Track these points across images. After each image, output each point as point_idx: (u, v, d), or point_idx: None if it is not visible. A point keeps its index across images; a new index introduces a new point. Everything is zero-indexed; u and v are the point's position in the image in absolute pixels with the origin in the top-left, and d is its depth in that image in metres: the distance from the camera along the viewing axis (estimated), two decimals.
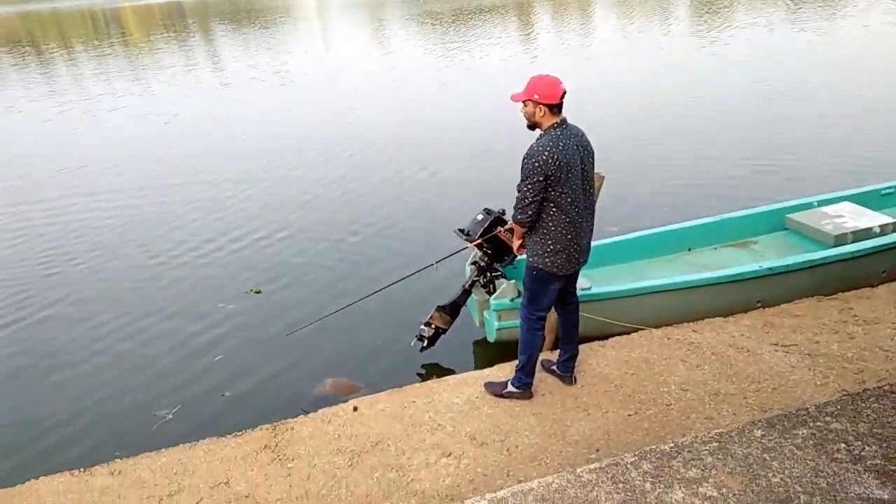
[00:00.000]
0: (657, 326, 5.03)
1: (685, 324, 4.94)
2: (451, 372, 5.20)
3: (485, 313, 5.16)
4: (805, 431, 2.68)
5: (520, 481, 3.57)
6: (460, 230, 5.05)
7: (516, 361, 4.23)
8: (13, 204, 9.71)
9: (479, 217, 4.98)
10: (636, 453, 3.22)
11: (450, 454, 3.83)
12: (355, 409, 4.33)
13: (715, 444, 2.76)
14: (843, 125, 10.19)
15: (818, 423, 2.73)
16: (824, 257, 5.17)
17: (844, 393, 3.14)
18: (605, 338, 4.89)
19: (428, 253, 5.65)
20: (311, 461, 3.91)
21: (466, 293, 5.22)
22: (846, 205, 5.96)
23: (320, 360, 5.51)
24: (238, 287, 6.82)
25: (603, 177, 4.60)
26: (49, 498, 3.81)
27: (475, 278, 5.18)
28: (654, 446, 3.05)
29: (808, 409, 2.92)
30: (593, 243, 5.77)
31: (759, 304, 5.19)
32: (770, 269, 5.07)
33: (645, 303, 5.05)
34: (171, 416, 4.97)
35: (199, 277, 7.12)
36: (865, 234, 5.53)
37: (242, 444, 4.14)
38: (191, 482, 3.85)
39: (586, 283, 5.13)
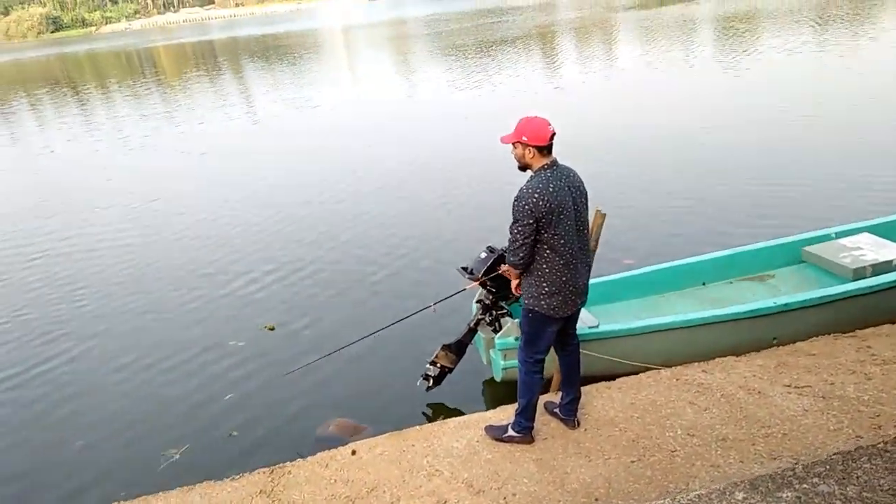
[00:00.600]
0: (668, 366, 4.89)
1: (696, 363, 4.78)
2: (457, 411, 5.12)
3: (490, 352, 5.08)
4: (789, 494, 2.53)
5: None
6: (463, 268, 4.99)
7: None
8: (29, 234, 9.93)
9: (483, 255, 4.92)
10: None
11: (445, 502, 3.73)
12: (354, 452, 4.27)
13: None
14: (864, 152, 9.93)
15: (804, 486, 2.58)
16: (842, 292, 4.98)
17: (836, 452, 2.98)
18: (613, 378, 4.76)
19: (442, 290, 5.58)
20: None
21: (472, 332, 5.14)
22: (865, 236, 5.76)
23: (327, 398, 5.47)
24: (252, 323, 6.83)
25: (604, 214, 4.51)
26: None
27: (480, 317, 5.11)
28: None
29: (794, 469, 2.77)
30: (605, 279, 5.80)
31: (774, 342, 5.02)
32: (785, 305, 4.90)
33: (654, 341, 4.91)
34: (178, 456, 4.95)
35: (214, 313, 7.16)
36: (886, 266, 5.33)
37: (239, 487, 4.10)
38: None
39: (594, 320, 5.03)
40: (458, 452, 4.12)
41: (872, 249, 5.54)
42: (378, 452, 4.23)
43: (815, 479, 2.61)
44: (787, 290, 5.57)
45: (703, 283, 5.85)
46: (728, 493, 2.65)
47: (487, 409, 4.99)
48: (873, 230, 5.90)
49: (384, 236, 8.70)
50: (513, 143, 3.72)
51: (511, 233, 3.69)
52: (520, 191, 3.64)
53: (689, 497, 2.70)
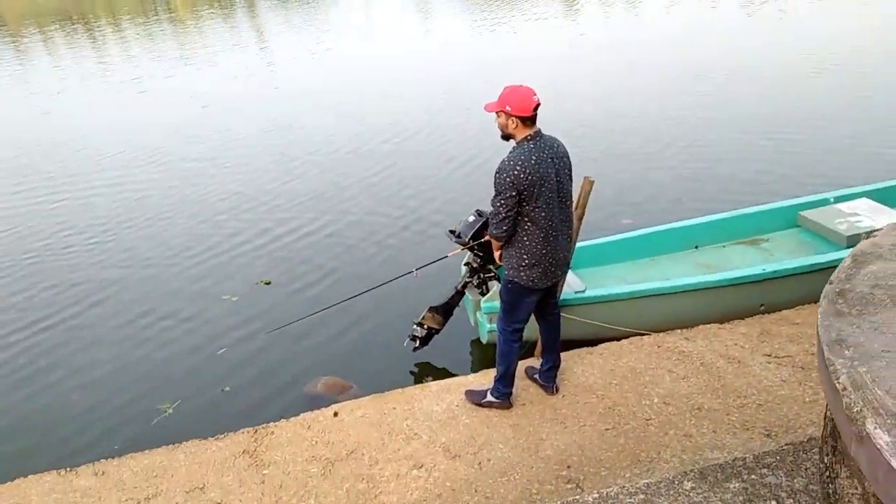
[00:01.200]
0: (654, 331, 4.89)
1: (678, 330, 4.79)
2: (444, 371, 5.20)
3: (477, 314, 5.10)
4: (736, 485, 2.54)
5: (486, 497, 3.55)
6: (451, 231, 4.98)
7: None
8: (27, 183, 9.99)
9: (471, 219, 4.89)
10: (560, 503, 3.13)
11: (421, 466, 3.82)
12: (336, 414, 4.35)
13: (641, 496, 2.64)
14: (872, 113, 9.64)
15: (752, 476, 2.58)
16: (833, 260, 4.92)
17: (788, 443, 2.98)
18: (596, 343, 4.78)
19: (436, 252, 5.55)
20: (285, 468, 3.95)
21: (459, 294, 5.16)
22: (863, 202, 5.66)
23: (316, 356, 5.54)
24: (249, 278, 6.89)
25: (592, 182, 4.45)
26: (34, 497, 3.94)
27: (468, 279, 5.12)
28: (577, 497, 2.95)
29: (745, 458, 2.78)
30: (595, 241, 5.77)
31: (761, 308, 5.01)
32: (774, 272, 4.86)
33: (639, 307, 4.91)
34: (171, 411, 5.06)
35: (215, 266, 7.20)
36: None
37: (223, 447, 4.20)
38: (168, 486, 3.93)
39: (580, 285, 5.03)
40: (438, 416, 4.19)
41: (869, 216, 5.45)
42: (359, 415, 4.31)
43: (764, 471, 2.63)
44: (780, 254, 5.51)
45: (696, 247, 5.80)
46: (677, 483, 2.68)
47: (474, 370, 5.07)
48: (873, 196, 5.80)
49: (389, 194, 8.60)
50: (496, 112, 3.65)
51: (493, 205, 3.66)
52: (501, 162, 3.58)
53: (637, 485, 2.73)
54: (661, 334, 4.77)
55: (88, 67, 20.63)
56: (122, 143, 11.87)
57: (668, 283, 4.95)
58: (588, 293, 4.92)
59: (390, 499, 3.63)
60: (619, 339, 4.78)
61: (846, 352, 2.00)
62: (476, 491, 3.60)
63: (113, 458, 4.25)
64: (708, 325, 4.80)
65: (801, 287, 4.97)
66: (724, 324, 4.81)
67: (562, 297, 4.81)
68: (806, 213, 5.70)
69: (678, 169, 8.43)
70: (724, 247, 5.79)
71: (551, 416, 4.08)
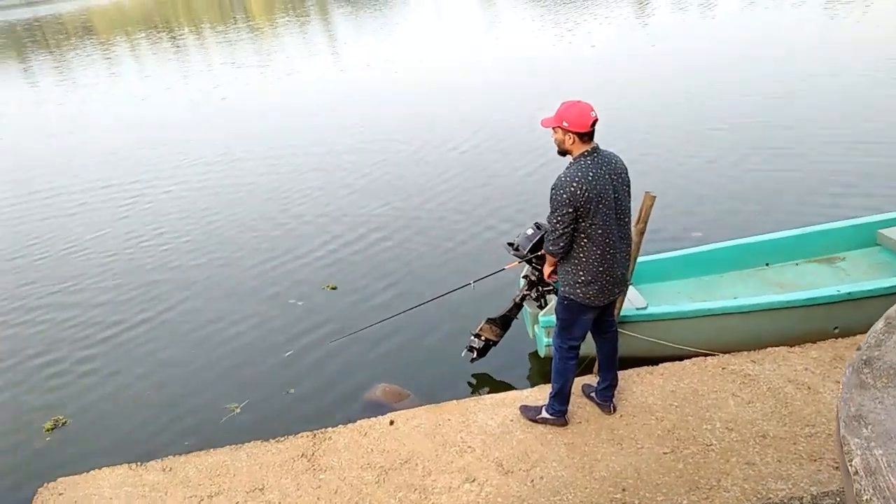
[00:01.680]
0: (719, 352, 4.75)
1: (745, 352, 4.63)
2: (500, 384, 5.19)
3: (535, 328, 5.08)
4: None
5: None
6: (510, 244, 4.97)
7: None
8: (119, 177, 10.49)
9: (529, 231, 4.88)
10: None
11: (474, 480, 3.82)
12: (392, 423, 4.40)
13: None
14: None
15: None
16: None
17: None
18: (657, 362, 4.68)
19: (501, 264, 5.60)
20: (341, 474, 4.03)
21: (517, 306, 5.15)
22: None
23: (377, 362, 5.62)
24: (316, 282, 7.04)
25: (654, 197, 4.36)
26: (107, 489, 4.15)
27: (526, 292, 5.10)
28: None
29: (802, 498, 2.66)
30: (659, 256, 5.66)
31: (835, 331, 4.79)
32: (849, 293, 4.64)
33: (704, 326, 4.78)
34: (238, 411, 5.23)
35: (282, 271, 7.41)
36: None
37: (283, 449, 4.32)
38: (230, 485, 4.07)
39: (642, 301, 4.93)
40: (492, 430, 4.19)
41: None
42: (415, 424, 4.35)
43: None
44: (857, 274, 5.27)
45: (766, 264, 5.60)
46: None
47: (531, 383, 5.04)
48: None
49: (456, 202, 8.61)
50: (552, 128, 3.63)
51: (549, 222, 3.64)
52: (558, 179, 3.56)
53: None
54: (726, 355, 4.63)
55: (171, 73, 21.55)
56: (204, 148, 12.35)
57: (735, 302, 4.80)
58: (650, 310, 4.82)
59: None
60: (681, 359, 4.66)
61: (864, 430, 1.84)
62: None
63: (180, 455, 4.43)
64: (777, 348, 4.63)
65: (879, 310, 4.66)
66: (795, 347, 4.62)
67: (622, 313, 4.74)
68: (886, 231, 5.42)
69: (754, 181, 8.14)
70: (796, 265, 5.57)
71: (607, 436, 4.02)
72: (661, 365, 4.62)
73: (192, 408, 5.34)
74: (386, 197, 9.02)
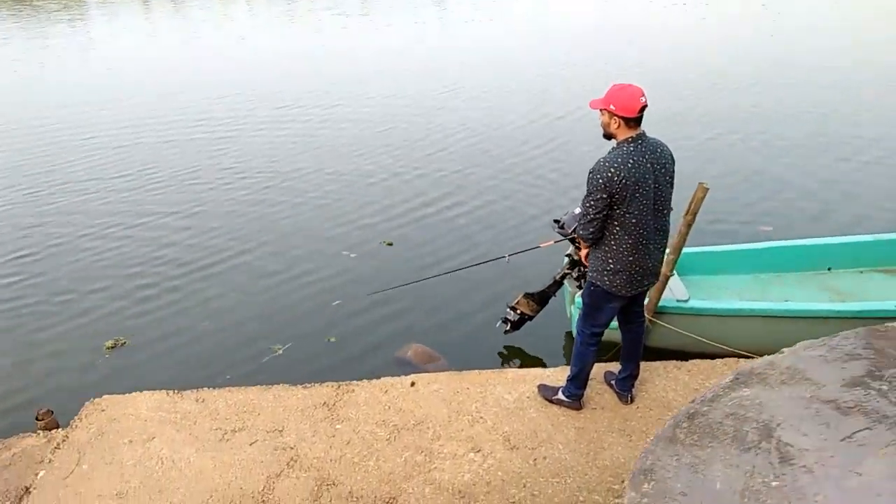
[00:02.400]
0: (758, 354, 4.57)
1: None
2: (532, 358, 5.22)
3: (571, 307, 5.04)
4: None
5: (533, 495, 3.56)
6: (555, 221, 4.91)
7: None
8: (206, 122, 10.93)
9: (577, 210, 4.76)
10: None
11: (479, 451, 3.89)
12: (413, 384, 4.51)
13: None
14: None
15: None
16: None
17: None
18: (687, 357, 4.56)
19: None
20: (356, 427, 4.17)
21: (557, 284, 5.10)
22: None
23: (416, 321, 5.76)
24: (375, 237, 7.21)
25: (706, 188, 4.21)
26: (143, 411, 4.46)
27: (567, 270, 5.04)
28: None
29: None
30: (713, 248, 5.48)
31: None
32: None
33: (748, 327, 4.61)
34: (281, 352, 5.49)
35: (346, 221, 7.65)
36: None
37: (307, 396, 4.50)
38: (253, 423, 4.29)
39: (684, 293, 4.80)
40: (507, 404, 4.22)
41: None
42: (434, 388, 4.44)
43: None
44: None
45: (829, 269, 5.31)
46: None
47: (560, 362, 5.03)
48: None
49: (519, 175, 8.56)
50: (599, 110, 3.53)
51: (583, 205, 3.57)
52: (597, 163, 3.47)
53: None
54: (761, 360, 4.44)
55: (276, 19, 21.99)
56: (299, 92, 12.66)
57: (783, 305, 4.60)
58: (691, 303, 4.69)
59: (442, 476, 3.74)
60: (713, 358, 4.52)
61: (645, 485, 1.82)
62: (525, 486, 3.62)
63: (214, 388, 4.69)
64: None
65: None
66: None
67: (661, 303, 4.64)
68: None
69: (834, 178, 7.67)
70: (861, 273, 5.25)
71: (619, 426, 3.98)
72: (690, 361, 4.50)
73: (240, 343, 5.64)
74: (463, 161, 9.02)
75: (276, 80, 13.74)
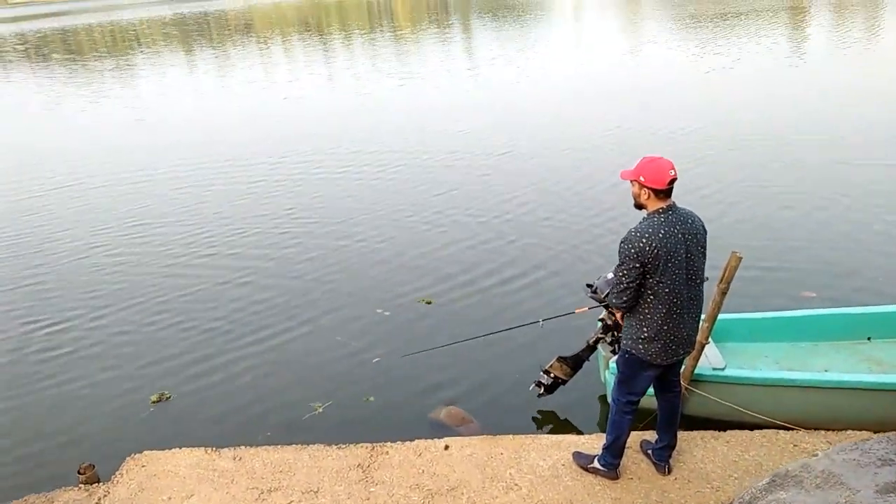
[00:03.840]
0: (798, 427, 4.51)
1: (823, 431, 4.37)
2: (564, 423, 5.19)
3: (606, 372, 5.03)
4: None
5: None
6: (588, 285, 4.95)
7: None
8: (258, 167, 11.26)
9: (609, 276, 4.82)
10: None
11: None
12: (447, 447, 4.52)
13: None
14: None
15: None
16: None
17: None
18: (725, 428, 4.51)
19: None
20: (391, 490, 4.19)
21: (591, 348, 5.11)
22: None
23: (448, 382, 5.75)
24: (412, 293, 7.29)
25: (740, 258, 4.24)
26: (182, 468, 4.54)
27: (600, 335, 5.06)
28: None
29: None
30: (751, 315, 5.44)
31: None
32: None
33: (785, 397, 4.54)
34: (321, 410, 5.51)
35: (394, 274, 7.78)
36: None
37: (342, 456, 4.54)
38: (289, 483, 4.34)
39: (720, 361, 4.77)
40: (542, 472, 4.21)
41: None
42: (468, 453, 4.44)
43: None
44: None
45: (868, 338, 5.23)
46: None
47: (594, 428, 5.00)
48: None
49: (557, 234, 8.61)
50: (630, 181, 3.62)
51: (616, 274, 3.64)
52: (628, 232, 3.55)
53: None
54: (801, 432, 4.39)
55: (319, 72, 22.80)
56: (353, 140, 13.02)
57: (823, 376, 4.54)
58: (727, 371, 4.66)
59: None
60: (752, 428, 4.47)
61: None
62: None
63: (251, 446, 4.76)
64: (858, 432, 4.33)
65: None
66: (879, 434, 4.30)
67: (697, 371, 4.62)
68: None
69: (883, 245, 7.60)
70: None
71: (657, 498, 3.94)
72: (728, 431, 4.45)
73: (281, 400, 5.66)
74: (504, 224, 9.02)
75: (320, 136, 14.15)
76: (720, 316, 4.59)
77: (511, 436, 4.60)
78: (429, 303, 7.09)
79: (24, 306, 7.61)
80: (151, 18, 58.33)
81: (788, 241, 7.81)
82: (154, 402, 5.70)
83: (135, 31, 48.08)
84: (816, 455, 2.47)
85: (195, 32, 42.92)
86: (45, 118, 18.97)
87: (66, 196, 11.50)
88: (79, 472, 4.59)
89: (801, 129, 12.10)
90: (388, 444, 4.64)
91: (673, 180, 3.49)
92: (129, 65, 29.78)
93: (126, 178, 12.24)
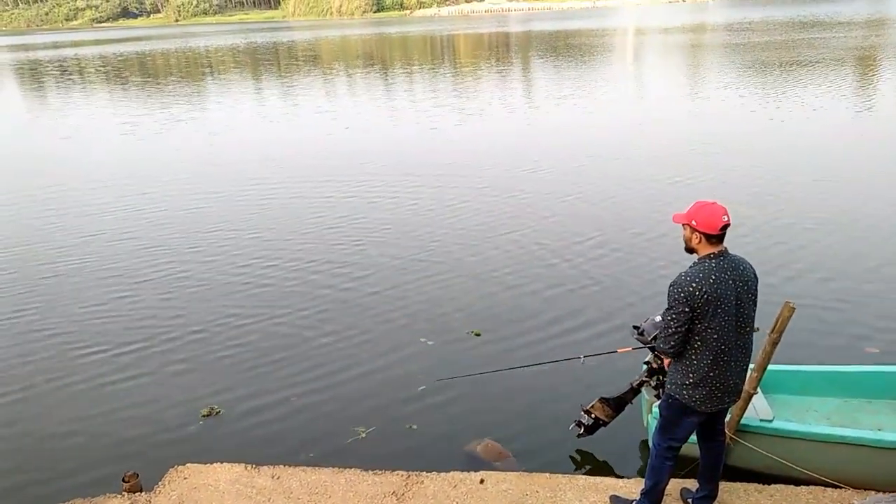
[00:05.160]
0: (847, 485, 4.35)
1: (872, 492, 4.19)
2: (603, 465, 5.10)
3: (649, 416, 4.95)
4: None
5: None
6: (635, 327, 4.92)
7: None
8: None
9: (657, 318, 4.79)
10: None
11: None
12: (482, 481, 4.51)
13: None
14: None
15: None
16: None
17: None
18: (769, 481, 4.37)
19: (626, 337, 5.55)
20: None
21: (634, 391, 5.05)
22: None
23: (487, 412, 5.74)
24: (463, 325, 7.29)
25: (793, 308, 4.16)
26: (222, 484, 4.63)
27: (645, 378, 5.00)
28: None
29: None
30: (804, 368, 5.31)
31: None
32: None
33: (834, 454, 4.39)
34: (364, 435, 5.54)
35: (432, 305, 7.81)
36: None
37: (377, 483, 4.57)
38: None
39: (769, 413, 4.65)
40: None
41: None
42: (503, 488, 4.42)
43: None
44: None
45: None
46: None
47: (633, 473, 4.91)
48: None
49: (610, 271, 8.59)
50: (682, 224, 3.62)
51: (664, 319, 3.62)
52: (678, 276, 3.54)
53: None
54: (849, 491, 4.23)
55: (379, 104, 23.35)
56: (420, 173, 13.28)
57: (874, 434, 4.38)
58: (775, 424, 4.53)
59: None
60: (797, 484, 4.32)
61: None
62: None
63: (290, 465, 4.83)
64: None
65: None
66: None
67: (743, 421, 4.51)
68: None
69: None
70: None
71: None
72: (772, 486, 4.32)
73: (324, 426, 5.69)
74: (553, 260, 9.02)
75: (386, 166, 14.47)
76: (770, 367, 4.50)
77: (548, 474, 4.57)
78: (478, 335, 7.10)
79: (105, 310, 7.97)
80: (223, 47, 60.76)
81: (849, 291, 7.59)
82: (204, 416, 5.82)
83: (209, 58, 50.13)
84: (853, 503, 2.39)
85: (265, 61, 44.52)
86: (124, 137, 19.83)
87: (135, 209, 11.99)
88: (123, 480, 4.73)
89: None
90: (424, 473, 4.65)
91: (726, 226, 3.48)
92: (200, 91, 31.02)
93: (186, 195, 12.71)
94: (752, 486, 4.32)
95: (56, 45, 77.14)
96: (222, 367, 6.66)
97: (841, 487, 4.30)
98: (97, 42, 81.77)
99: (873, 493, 4.23)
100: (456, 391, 5.97)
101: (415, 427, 5.59)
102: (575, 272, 8.49)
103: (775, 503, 4.17)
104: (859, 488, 4.28)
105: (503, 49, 45.27)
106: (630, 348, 4.72)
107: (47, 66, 47.62)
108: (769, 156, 13.54)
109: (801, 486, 4.29)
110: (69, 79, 38.88)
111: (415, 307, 7.75)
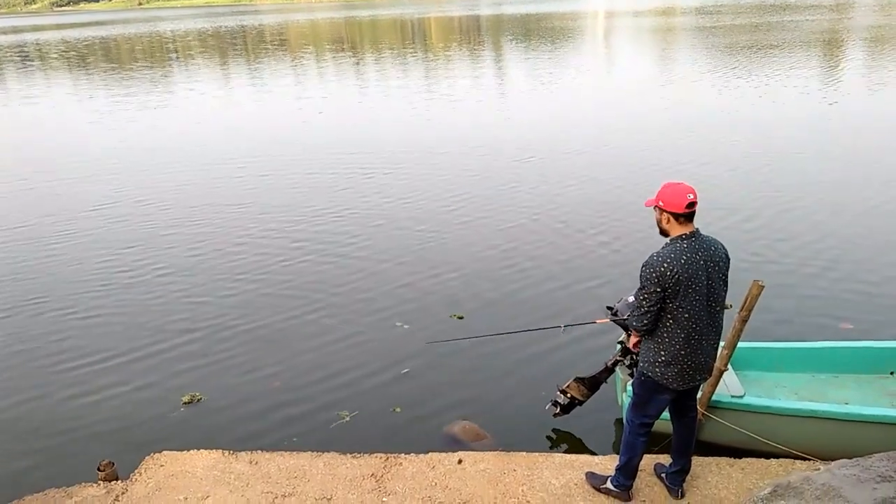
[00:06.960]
0: (815, 458, 4.47)
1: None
2: (578, 444, 5.17)
3: (623, 395, 5.03)
4: None
5: None
6: (609, 308, 4.98)
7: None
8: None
9: (630, 299, 4.85)
10: None
11: None
12: (460, 461, 4.55)
13: None
14: None
15: None
16: None
17: None
18: (741, 455, 4.48)
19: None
20: (402, 501, 4.22)
21: (608, 370, 5.12)
22: None
23: (465, 391, 5.79)
24: (446, 309, 7.29)
25: (762, 286, 4.23)
26: (199, 470, 4.61)
27: (619, 357, 5.07)
28: None
29: None
30: (773, 345, 5.42)
31: None
32: None
33: (802, 427, 4.50)
34: (348, 419, 5.52)
35: (430, 292, 7.80)
36: None
37: (356, 465, 4.58)
38: (303, 489, 4.39)
39: (739, 389, 4.75)
40: (554, 490, 4.22)
41: None
42: (481, 468, 4.46)
43: None
44: None
45: (891, 373, 5.17)
46: None
47: (609, 450, 4.99)
48: None
49: (597, 248, 8.71)
50: (654, 207, 3.67)
51: (636, 298, 3.67)
52: (650, 257, 3.59)
53: None
54: (818, 463, 4.34)
55: (349, 86, 23.14)
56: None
57: (841, 408, 4.50)
58: (746, 399, 4.63)
59: None
60: (768, 457, 4.44)
61: None
62: None
63: (267, 451, 4.82)
64: None
65: None
66: None
67: (715, 397, 4.60)
68: None
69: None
70: None
71: None
72: (743, 459, 4.42)
73: (308, 410, 5.66)
74: (539, 234, 9.18)
75: (354, 145, 14.38)
76: (740, 344, 4.59)
77: (524, 453, 4.62)
78: (460, 318, 7.11)
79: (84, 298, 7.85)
80: (191, 30, 59.64)
81: (821, 267, 7.77)
82: (185, 403, 5.76)
83: (175, 42, 49.18)
84: (818, 469, 2.47)
85: (230, 44, 43.81)
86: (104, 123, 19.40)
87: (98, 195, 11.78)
88: (98, 469, 4.68)
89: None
90: (403, 455, 4.68)
91: (692, 204, 3.53)
92: (166, 75, 30.45)
93: (163, 185, 12.53)
94: (724, 460, 4.41)
95: (16, 30, 74.97)
96: (206, 354, 6.60)
97: (809, 459, 4.42)
98: (59, 27, 79.72)
99: None
100: (434, 375, 6.00)
101: (398, 410, 5.59)
102: (556, 255, 8.55)
103: (746, 476, 4.26)
104: (827, 460, 4.40)
105: (474, 32, 45.07)
106: (608, 319, 4.78)
107: (7, 53, 46.32)
108: (748, 136, 13.74)
109: (772, 459, 4.40)
110: (31, 65, 37.88)
111: (397, 292, 7.72)
